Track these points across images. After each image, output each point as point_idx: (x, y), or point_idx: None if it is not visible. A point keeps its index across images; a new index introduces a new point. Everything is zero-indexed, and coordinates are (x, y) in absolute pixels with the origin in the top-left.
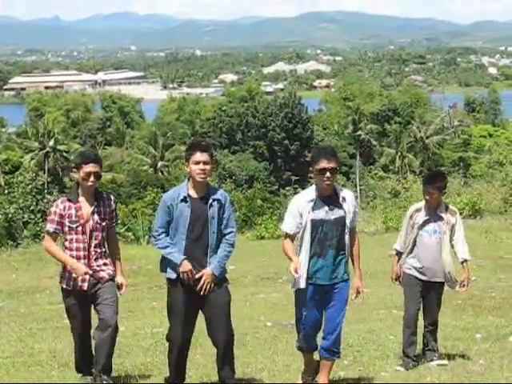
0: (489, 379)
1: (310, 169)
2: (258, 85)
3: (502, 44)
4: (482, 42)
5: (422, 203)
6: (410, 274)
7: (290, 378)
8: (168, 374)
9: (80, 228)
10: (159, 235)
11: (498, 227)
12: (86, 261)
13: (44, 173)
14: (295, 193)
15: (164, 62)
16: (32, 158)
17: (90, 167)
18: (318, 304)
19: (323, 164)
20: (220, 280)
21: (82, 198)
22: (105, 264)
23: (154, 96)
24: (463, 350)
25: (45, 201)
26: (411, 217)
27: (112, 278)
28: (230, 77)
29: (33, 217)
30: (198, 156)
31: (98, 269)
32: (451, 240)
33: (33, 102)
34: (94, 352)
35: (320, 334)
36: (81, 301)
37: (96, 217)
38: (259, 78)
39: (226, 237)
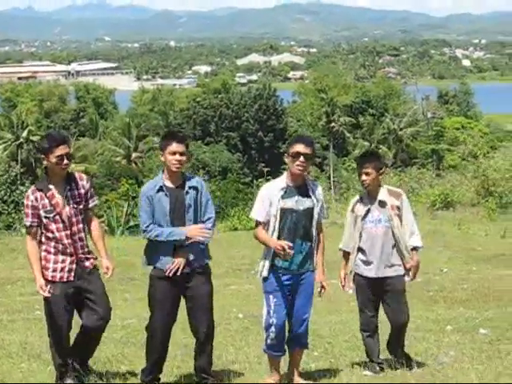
0: (459, 370)
1: (286, 154)
2: (232, 76)
3: (476, 37)
4: (456, 34)
5: (362, 193)
6: (358, 274)
7: (261, 370)
8: (144, 366)
9: (58, 217)
10: (148, 226)
11: (471, 219)
12: (72, 249)
13: (17, 164)
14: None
15: (138, 53)
16: (5, 149)
17: (61, 149)
18: (285, 294)
19: (299, 148)
20: (202, 268)
21: (52, 186)
22: (88, 252)
23: (128, 87)
24: (434, 341)
25: (18, 192)
26: (352, 210)
27: (95, 267)
28: (203, 68)
29: (6, 207)
30: (175, 147)
31: (83, 257)
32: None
33: (5, 93)
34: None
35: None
36: (66, 292)
37: (71, 201)
38: (233, 69)
39: (205, 222)
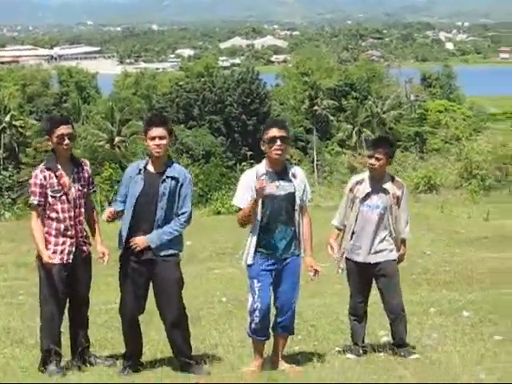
0: (442, 353)
1: (262, 142)
2: (215, 60)
3: (459, 19)
4: (439, 17)
5: (365, 175)
6: (348, 258)
7: (244, 354)
8: (125, 350)
9: (64, 197)
10: (115, 201)
11: (454, 202)
12: (73, 232)
13: (0, 149)
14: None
15: (121, 37)
16: None
17: (61, 129)
18: (270, 279)
19: (274, 132)
20: (169, 256)
21: (59, 166)
22: (86, 236)
23: (111, 71)
24: (417, 323)
25: (0, 177)
26: (351, 190)
27: (89, 253)
28: (186, 52)
29: None
30: (153, 131)
31: (81, 241)
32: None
33: None
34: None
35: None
36: (62, 274)
37: (77, 184)
38: (216, 52)
39: (179, 216)
